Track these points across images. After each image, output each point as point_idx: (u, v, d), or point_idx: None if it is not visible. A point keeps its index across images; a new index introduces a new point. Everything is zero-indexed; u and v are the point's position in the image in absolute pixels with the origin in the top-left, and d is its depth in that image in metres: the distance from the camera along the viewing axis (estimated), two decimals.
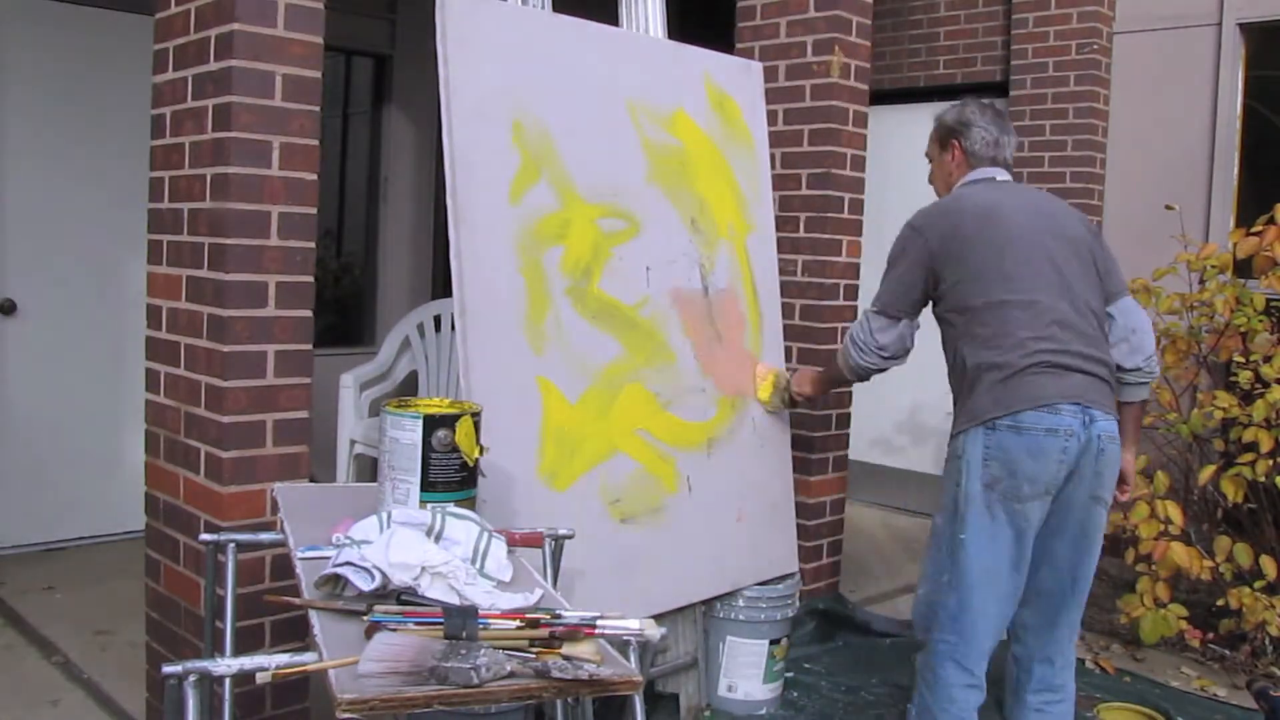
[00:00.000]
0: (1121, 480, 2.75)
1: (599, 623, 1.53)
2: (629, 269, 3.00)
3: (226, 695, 2.23)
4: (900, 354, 2.81)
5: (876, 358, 2.80)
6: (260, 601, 2.50)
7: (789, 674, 3.50)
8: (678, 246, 3.16)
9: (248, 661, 1.48)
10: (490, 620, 1.50)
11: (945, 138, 2.86)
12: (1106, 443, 2.53)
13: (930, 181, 2.95)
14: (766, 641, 3.26)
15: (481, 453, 1.98)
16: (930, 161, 2.94)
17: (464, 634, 1.44)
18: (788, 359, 3.65)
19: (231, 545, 2.21)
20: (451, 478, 1.94)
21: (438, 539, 1.79)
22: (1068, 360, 2.51)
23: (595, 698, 2.02)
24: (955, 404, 2.66)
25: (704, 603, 3.25)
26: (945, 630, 2.58)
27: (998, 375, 2.51)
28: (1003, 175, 2.81)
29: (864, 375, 2.90)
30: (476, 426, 1.97)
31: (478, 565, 1.78)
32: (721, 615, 3.26)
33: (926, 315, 2.80)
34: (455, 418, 1.94)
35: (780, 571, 3.40)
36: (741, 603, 3.25)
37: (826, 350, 3.78)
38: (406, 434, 1.93)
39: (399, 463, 1.94)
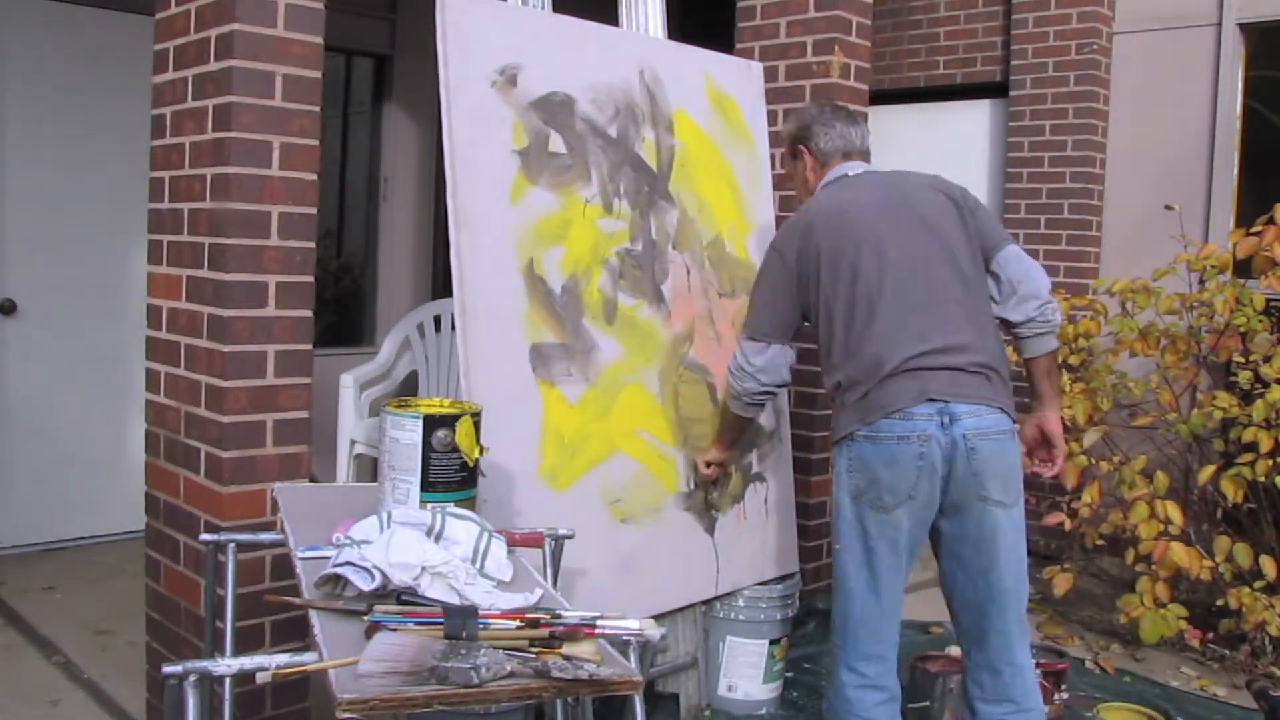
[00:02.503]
0: (1049, 443, 2.66)
1: (599, 623, 1.53)
2: (628, 269, 3.00)
3: (226, 695, 2.23)
4: (776, 381, 2.74)
5: (754, 381, 2.71)
6: (260, 601, 2.50)
7: (789, 674, 3.50)
8: (669, 240, 3.16)
9: (248, 661, 1.48)
10: (490, 620, 1.50)
11: (793, 146, 2.82)
12: (977, 440, 2.42)
13: (797, 197, 2.91)
14: (766, 641, 3.26)
15: (482, 453, 1.98)
16: (790, 179, 2.90)
17: (464, 634, 1.44)
18: None
19: (231, 545, 2.21)
20: (451, 478, 1.94)
21: (438, 539, 1.79)
22: (927, 361, 2.43)
23: (595, 698, 2.02)
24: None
25: (704, 602, 3.25)
26: (836, 634, 2.57)
27: (857, 391, 2.48)
28: (856, 168, 2.73)
29: (750, 403, 2.80)
30: (477, 426, 1.97)
31: (478, 565, 1.78)
32: (721, 615, 3.25)
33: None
34: (455, 418, 1.94)
35: (780, 571, 3.40)
36: (741, 602, 3.24)
37: None
38: (406, 434, 1.93)
39: (399, 463, 1.94)
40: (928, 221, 2.57)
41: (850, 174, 2.72)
